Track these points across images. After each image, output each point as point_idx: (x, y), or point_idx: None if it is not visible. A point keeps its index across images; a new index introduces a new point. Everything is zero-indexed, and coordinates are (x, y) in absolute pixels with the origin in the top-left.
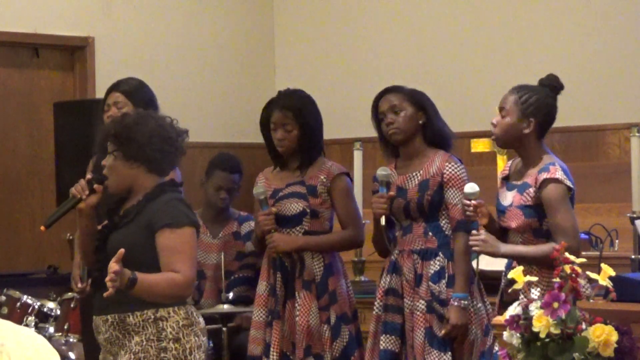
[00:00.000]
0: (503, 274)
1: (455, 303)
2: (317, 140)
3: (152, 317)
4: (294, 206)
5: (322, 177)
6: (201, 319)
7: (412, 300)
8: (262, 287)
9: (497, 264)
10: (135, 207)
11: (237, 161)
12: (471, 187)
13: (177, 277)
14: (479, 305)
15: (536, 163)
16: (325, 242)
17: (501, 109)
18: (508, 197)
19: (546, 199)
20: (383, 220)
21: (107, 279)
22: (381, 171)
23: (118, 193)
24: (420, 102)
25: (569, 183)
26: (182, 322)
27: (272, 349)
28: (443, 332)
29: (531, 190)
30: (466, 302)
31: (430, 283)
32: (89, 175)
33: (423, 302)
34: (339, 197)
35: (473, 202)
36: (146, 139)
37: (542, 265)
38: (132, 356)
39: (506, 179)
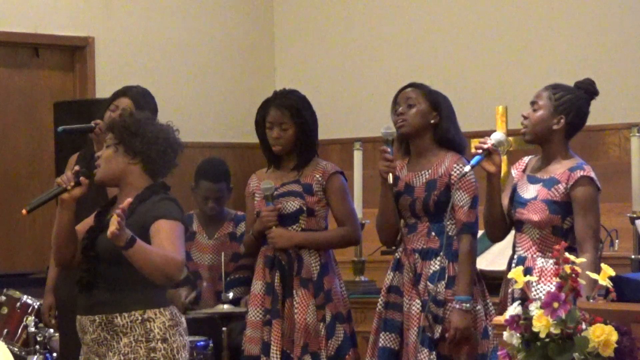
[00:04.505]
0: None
1: (457, 306)
2: (313, 140)
3: (140, 318)
4: (291, 204)
5: (317, 176)
6: (184, 319)
7: (409, 299)
8: (257, 286)
9: (497, 264)
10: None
11: (223, 168)
12: (500, 135)
13: (171, 254)
14: (478, 307)
15: (560, 161)
16: (323, 238)
17: (533, 102)
18: (531, 190)
19: (579, 197)
20: (391, 178)
21: (113, 218)
22: (384, 129)
23: (103, 184)
24: (437, 102)
25: (599, 184)
26: (168, 322)
27: (273, 348)
28: (446, 335)
29: (561, 186)
30: (468, 305)
31: (428, 283)
32: (76, 167)
33: (419, 301)
34: (334, 195)
35: (489, 146)
36: (153, 137)
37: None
38: (122, 357)
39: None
